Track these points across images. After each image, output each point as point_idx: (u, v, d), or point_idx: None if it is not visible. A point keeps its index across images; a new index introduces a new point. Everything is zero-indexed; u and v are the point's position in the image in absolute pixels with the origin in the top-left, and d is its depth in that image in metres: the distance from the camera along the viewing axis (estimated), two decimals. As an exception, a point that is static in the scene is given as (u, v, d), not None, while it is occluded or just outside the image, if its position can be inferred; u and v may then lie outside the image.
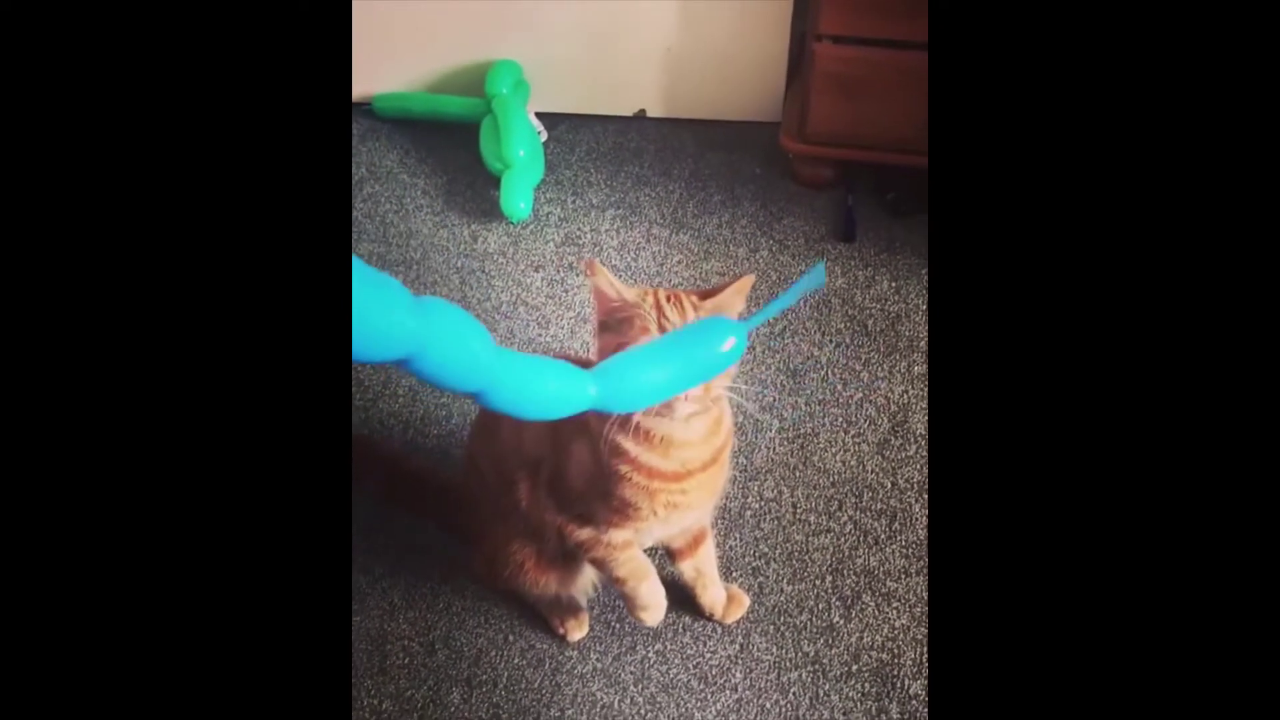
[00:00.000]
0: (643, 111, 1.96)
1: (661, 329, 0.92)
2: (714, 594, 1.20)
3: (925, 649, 1.19)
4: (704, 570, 1.18)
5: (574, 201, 1.79)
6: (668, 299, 0.94)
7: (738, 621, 1.22)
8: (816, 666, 1.18)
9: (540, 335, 1.56)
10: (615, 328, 0.94)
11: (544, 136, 1.87)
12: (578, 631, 1.21)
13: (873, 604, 1.24)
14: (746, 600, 1.23)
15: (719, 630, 1.21)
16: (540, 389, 0.82)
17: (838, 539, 1.31)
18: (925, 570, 1.26)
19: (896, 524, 1.31)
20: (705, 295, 0.96)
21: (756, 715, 1.14)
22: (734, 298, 0.96)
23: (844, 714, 1.14)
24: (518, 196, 1.71)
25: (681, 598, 1.24)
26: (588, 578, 1.17)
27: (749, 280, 0.97)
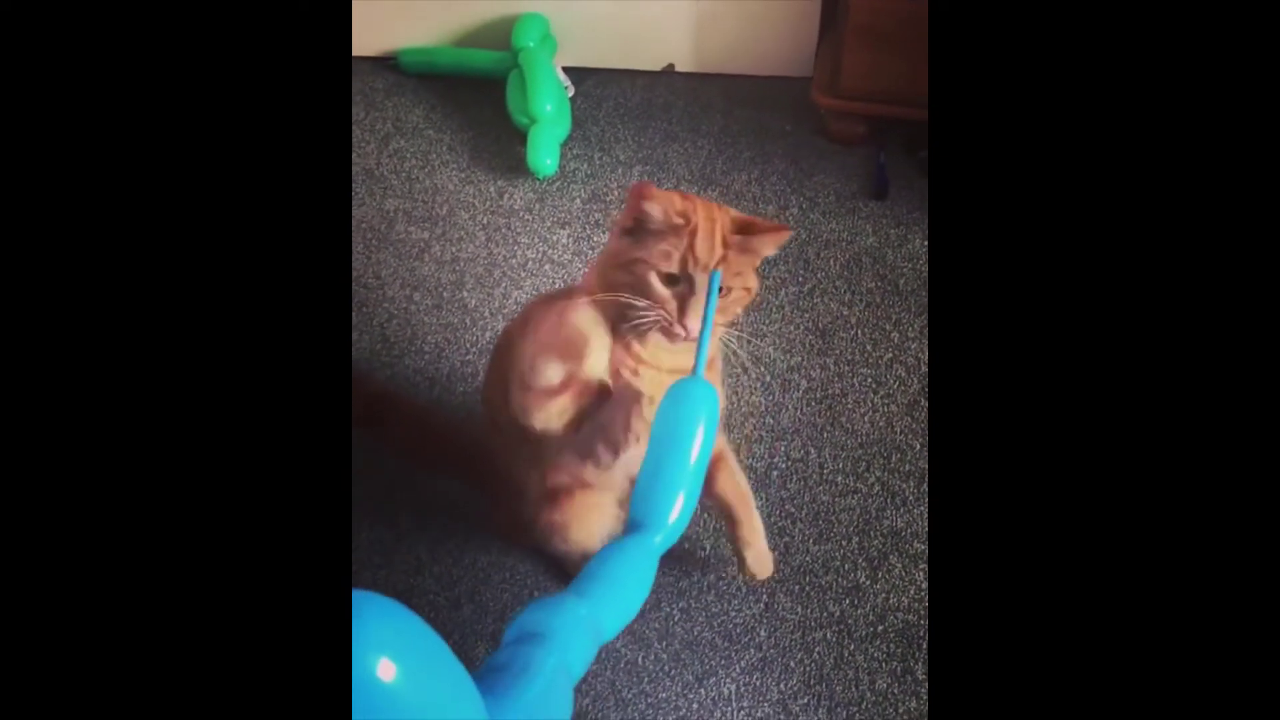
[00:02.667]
0: (671, 66, 1.93)
1: (683, 264, 0.93)
2: (748, 530, 1.14)
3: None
4: (732, 501, 1.13)
5: (601, 157, 1.77)
6: (708, 221, 0.94)
7: (763, 580, 1.21)
8: (842, 626, 1.18)
9: (566, 292, 1.55)
10: (640, 239, 0.95)
11: (571, 91, 1.85)
12: (603, 587, 1.21)
13: (899, 565, 1.23)
14: (771, 565, 1.18)
15: (744, 589, 1.21)
16: (632, 595, 0.84)
17: (865, 500, 1.29)
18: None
19: (925, 486, 1.30)
20: (742, 228, 0.96)
21: (781, 674, 1.14)
22: (766, 244, 0.97)
23: (869, 674, 1.14)
24: (544, 152, 1.69)
25: (705, 558, 1.24)
26: (606, 528, 1.17)
27: (787, 235, 0.97)
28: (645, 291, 0.94)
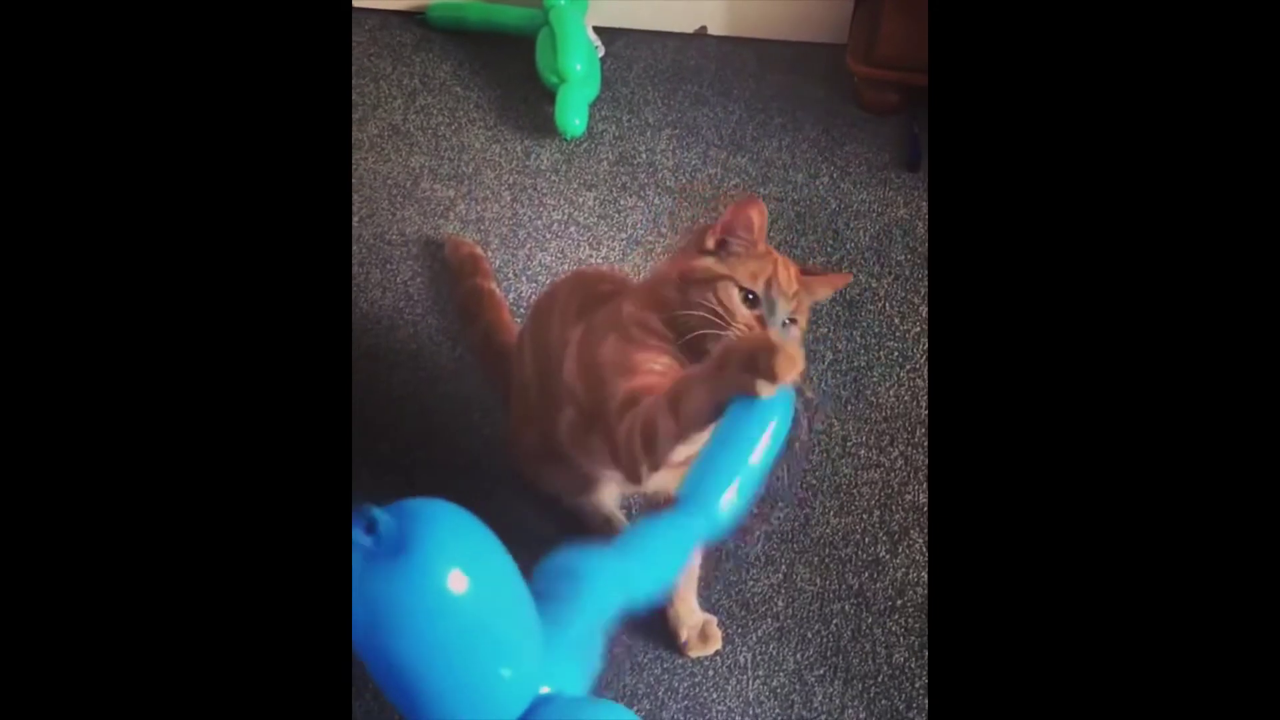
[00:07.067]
0: (704, 29, 1.90)
1: (767, 286, 0.95)
2: (683, 610, 1.13)
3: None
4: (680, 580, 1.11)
5: (630, 119, 1.74)
6: (783, 262, 0.98)
7: (783, 553, 1.21)
8: (860, 599, 1.17)
9: (591, 255, 1.53)
10: (725, 259, 0.97)
11: (601, 51, 1.82)
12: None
13: (920, 540, 1.22)
14: (719, 641, 1.14)
15: (762, 558, 1.21)
16: (663, 567, 0.83)
17: (887, 474, 1.28)
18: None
19: (948, 461, 1.29)
20: (805, 272, 1.00)
21: (797, 644, 1.14)
22: (824, 287, 1.03)
23: (886, 648, 1.13)
24: (573, 112, 1.67)
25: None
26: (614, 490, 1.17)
27: (846, 280, 1.08)
28: (727, 310, 0.94)
